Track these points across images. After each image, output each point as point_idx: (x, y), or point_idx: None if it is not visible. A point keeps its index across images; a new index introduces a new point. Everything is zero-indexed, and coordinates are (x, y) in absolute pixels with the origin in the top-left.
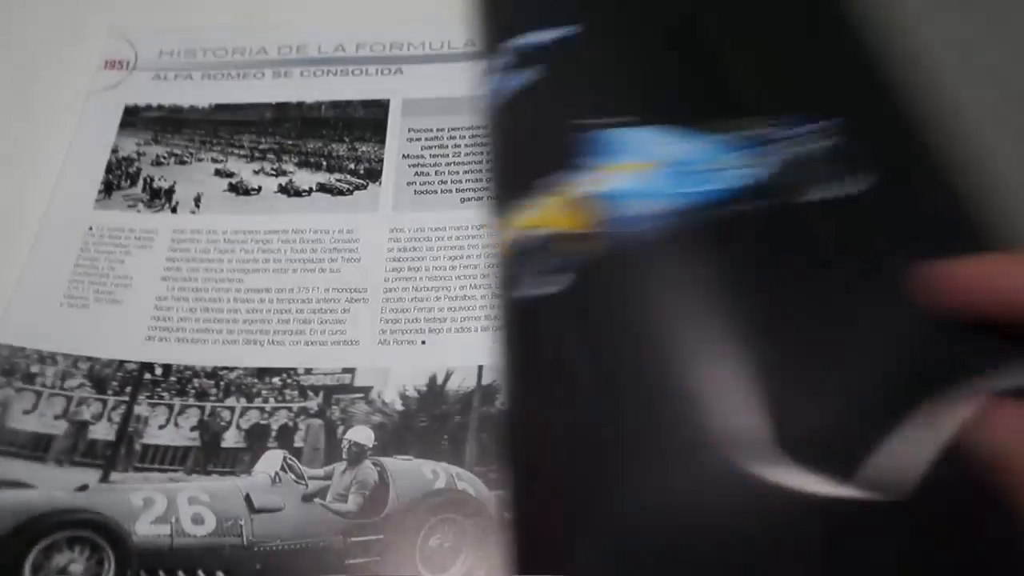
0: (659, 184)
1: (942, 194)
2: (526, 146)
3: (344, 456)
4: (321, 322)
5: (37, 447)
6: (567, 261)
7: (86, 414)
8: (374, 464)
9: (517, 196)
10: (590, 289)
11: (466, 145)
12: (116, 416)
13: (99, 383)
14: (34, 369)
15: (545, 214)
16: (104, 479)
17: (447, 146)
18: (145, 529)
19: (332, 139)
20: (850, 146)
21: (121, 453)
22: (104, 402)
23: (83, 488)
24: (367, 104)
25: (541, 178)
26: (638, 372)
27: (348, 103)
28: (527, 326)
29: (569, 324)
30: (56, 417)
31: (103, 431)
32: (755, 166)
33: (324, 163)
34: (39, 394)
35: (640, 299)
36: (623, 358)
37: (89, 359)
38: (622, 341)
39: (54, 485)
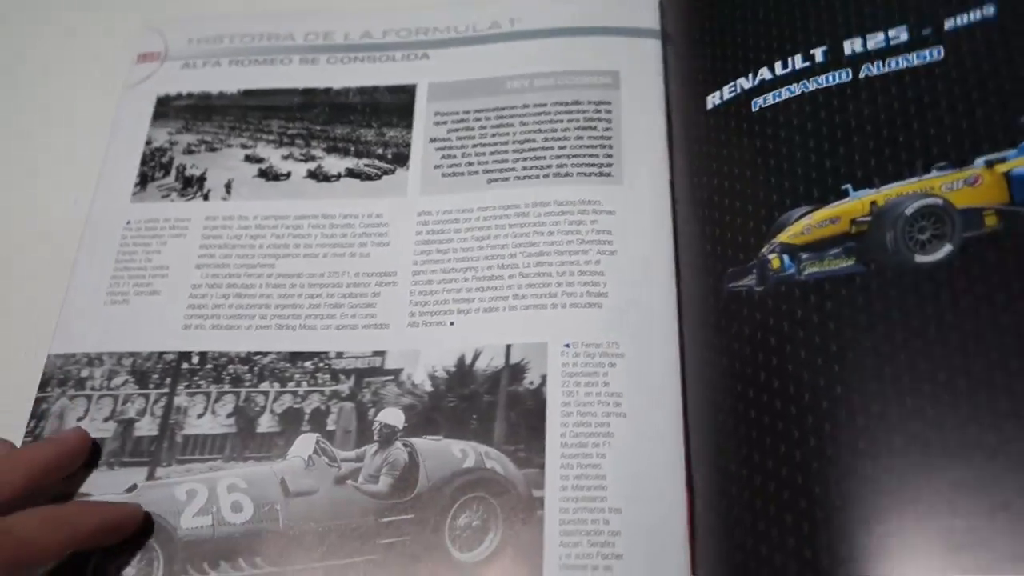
0: None
1: None
2: (975, 113)
3: (375, 438)
4: (352, 306)
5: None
6: (946, 231)
7: (131, 411)
8: (404, 445)
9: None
10: (975, 264)
11: (492, 126)
12: (158, 410)
13: (141, 377)
14: (84, 374)
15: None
16: (150, 476)
17: (473, 128)
18: (189, 523)
19: (360, 124)
20: None
21: (164, 447)
22: (147, 396)
23: (132, 488)
24: (394, 89)
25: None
26: None
27: (375, 88)
28: (902, 295)
29: (950, 298)
30: (105, 420)
31: (147, 427)
32: None
33: (352, 148)
34: (89, 398)
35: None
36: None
37: (132, 354)
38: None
39: (107, 489)
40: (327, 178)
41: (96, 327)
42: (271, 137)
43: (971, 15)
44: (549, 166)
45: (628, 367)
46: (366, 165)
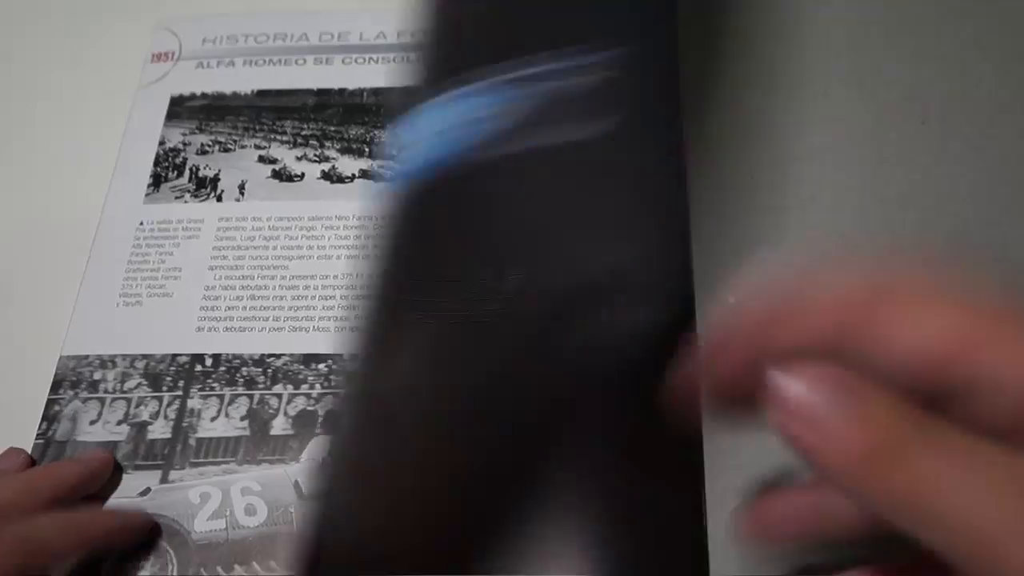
0: (422, 156)
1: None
2: None
3: None
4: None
5: None
6: None
7: (145, 414)
8: None
9: None
10: None
11: None
12: (171, 412)
13: (154, 380)
14: (97, 376)
15: None
16: (164, 479)
17: None
18: (202, 526)
19: (374, 125)
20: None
21: (178, 450)
22: (160, 399)
23: (145, 492)
24: None
25: None
26: None
27: (390, 89)
28: None
29: None
30: (119, 423)
31: (160, 430)
32: (508, 112)
33: (367, 149)
34: (103, 401)
35: None
36: None
37: (144, 356)
38: None
39: (121, 493)
40: (341, 179)
41: (109, 329)
42: (285, 138)
43: None
44: None
45: None
46: (380, 166)
